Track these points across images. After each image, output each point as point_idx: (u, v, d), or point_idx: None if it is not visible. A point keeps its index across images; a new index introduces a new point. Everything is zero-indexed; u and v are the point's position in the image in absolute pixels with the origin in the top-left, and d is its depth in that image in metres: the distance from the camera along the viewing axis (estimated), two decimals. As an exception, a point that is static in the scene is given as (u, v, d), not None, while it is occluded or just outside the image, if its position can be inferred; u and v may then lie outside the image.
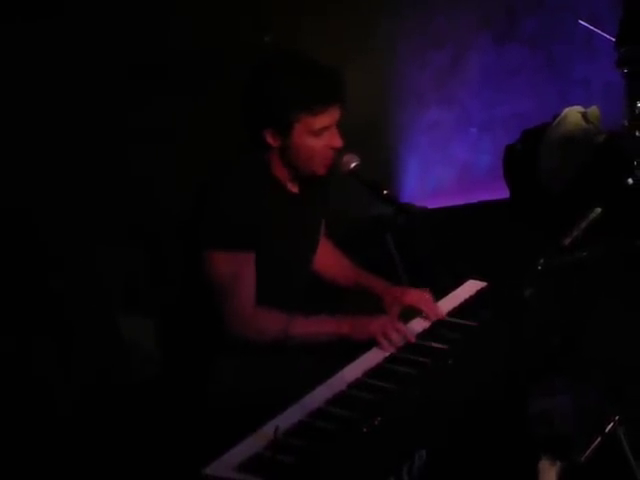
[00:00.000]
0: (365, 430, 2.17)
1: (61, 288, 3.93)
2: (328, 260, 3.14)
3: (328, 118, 2.69)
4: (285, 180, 2.82)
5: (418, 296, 3.00)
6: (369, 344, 2.71)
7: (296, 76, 2.67)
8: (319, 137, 2.70)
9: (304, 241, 2.93)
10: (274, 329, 2.71)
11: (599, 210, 3.20)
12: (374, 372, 2.56)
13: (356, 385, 2.48)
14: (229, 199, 2.69)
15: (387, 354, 2.66)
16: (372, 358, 2.65)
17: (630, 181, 5.02)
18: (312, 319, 2.75)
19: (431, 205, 5.25)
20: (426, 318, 2.92)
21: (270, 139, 2.71)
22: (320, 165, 2.76)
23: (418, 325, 2.88)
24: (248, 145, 2.78)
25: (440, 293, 3.11)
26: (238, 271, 2.68)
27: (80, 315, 3.89)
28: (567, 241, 3.08)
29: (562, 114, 5.60)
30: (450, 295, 3.12)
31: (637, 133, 5.19)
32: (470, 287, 3.16)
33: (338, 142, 2.73)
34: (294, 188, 2.86)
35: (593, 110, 5.59)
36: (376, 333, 2.70)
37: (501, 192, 5.82)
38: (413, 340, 2.72)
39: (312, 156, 2.73)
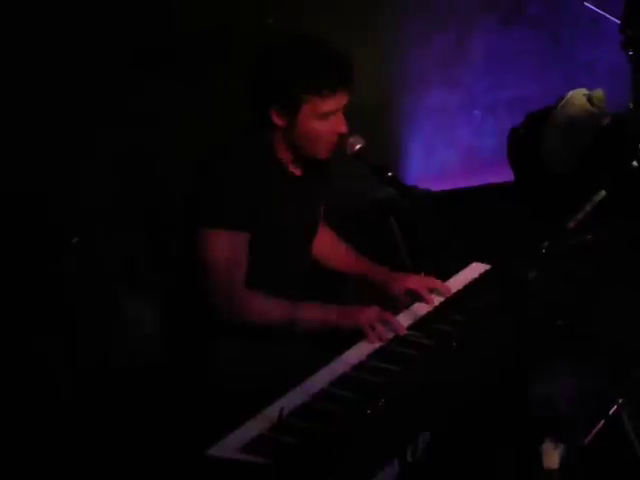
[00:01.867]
0: (369, 412, 2.17)
1: (61, 272, 3.93)
2: (328, 248, 3.13)
3: (335, 103, 2.68)
4: (288, 162, 2.81)
5: (422, 281, 3.00)
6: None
7: (308, 58, 2.67)
8: (325, 121, 2.70)
9: (304, 224, 2.92)
10: (264, 313, 2.70)
11: (604, 193, 3.20)
12: (378, 354, 2.56)
13: (360, 367, 2.48)
14: (228, 178, 2.68)
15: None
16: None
17: (635, 164, 5.00)
18: (300, 305, 2.74)
19: (435, 188, 5.25)
20: (430, 299, 2.92)
21: (276, 118, 2.70)
22: (323, 149, 2.76)
23: (422, 307, 2.88)
24: (251, 126, 2.78)
25: (444, 276, 3.11)
26: (231, 251, 2.68)
27: (81, 299, 3.90)
28: (572, 224, 3.08)
29: (566, 97, 5.58)
30: (454, 278, 3.12)
31: (642, 116, 5.18)
32: (474, 270, 3.16)
33: (343, 128, 2.73)
34: (296, 170, 2.85)
35: (598, 93, 5.56)
36: (363, 323, 2.68)
37: (505, 175, 5.81)
38: (403, 332, 2.69)
39: (316, 139, 2.72)
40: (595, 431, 3.09)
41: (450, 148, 6.17)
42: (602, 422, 3.08)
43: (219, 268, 2.67)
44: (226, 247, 2.67)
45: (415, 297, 2.95)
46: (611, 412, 3.07)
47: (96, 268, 4.00)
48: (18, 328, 3.73)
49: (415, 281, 2.99)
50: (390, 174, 2.76)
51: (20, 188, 4.14)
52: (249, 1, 4.91)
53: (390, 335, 2.66)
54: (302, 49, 2.70)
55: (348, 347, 2.61)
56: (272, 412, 2.20)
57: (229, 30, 4.78)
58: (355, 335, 2.67)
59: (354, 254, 3.16)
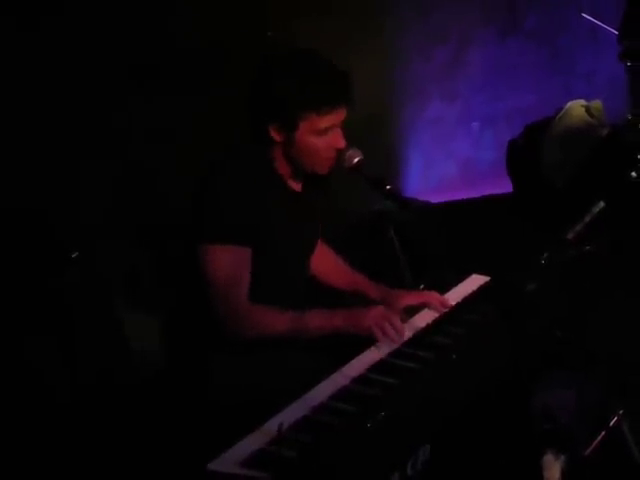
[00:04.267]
0: (369, 425, 2.17)
1: (62, 286, 3.93)
2: (326, 265, 3.13)
3: (333, 119, 2.69)
4: (287, 177, 2.82)
5: (419, 297, 3.00)
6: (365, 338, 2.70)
7: (305, 75, 2.67)
8: (323, 136, 2.70)
9: (302, 240, 2.92)
10: (269, 325, 2.70)
11: (603, 204, 3.20)
12: (377, 367, 2.55)
13: (360, 380, 2.47)
14: (229, 192, 2.68)
15: (389, 350, 2.66)
16: (375, 353, 2.64)
17: (634, 175, 5.02)
18: (305, 313, 2.73)
19: (434, 200, 5.27)
20: (432, 310, 2.92)
21: (274, 134, 2.71)
22: (322, 164, 2.76)
23: (422, 319, 2.89)
24: (251, 141, 2.78)
25: (443, 287, 3.11)
26: (233, 266, 2.67)
27: (81, 313, 3.89)
28: (571, 235, 3.08)
29: (565, 108, 5.59)
30: (453, 290, 3.12)
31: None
32: (473, 282, 3.16)
33: (341, 143, 2.74)
34: (296, 186, 2.86)
35: (596, 103, 5.58)
36: (371, 325, 2.67)
37: (504, 187, 5.82)
38: (406, 337, 2.69)
39: (314, 155, 2.73)
40: (596, 442, 3.09)
41: (449, 160, 6.19)
42: (603, 433, 3.08)
43: (222, 283, 2.66)
44: (228, 261, 2.67)
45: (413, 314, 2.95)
46: (612, 423, 3.06)
47: (96, 283, 4.00)
48: (17, 342, 3.72)
49: (413, 298, 2.99)
50: (389, 187, 2.76)
51: (21, 203, 4.14)
52: (248, 15, 4.93)
53: (397, 337, 2.66)
54: (300, 66, 2.70)
55: (350, 356, 2.62)
56: (272, 426, 2.19)
57: (229, 45, 4.79)
58: (357, 343, 2.68)
59: (351, 271, 3.16)
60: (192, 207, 2.74)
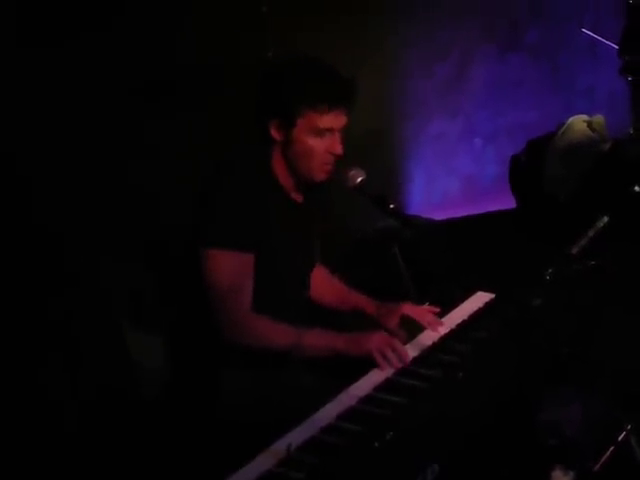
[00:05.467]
0: (377, 445, 2.17)
1: (66, 304, 3.93)
2: (321, 286, 3.12)
3: (332, 120, 2.71)
4: (289, 188, 2.83)
5: (416, 309, 3.01)
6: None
7: (309, 73, 2.72)
8: (320, 138, 2.72)
9: (302, 252, 2.92)
10: (268, 336, 2.70)
11: (606, 218, 3.20)
12: (384, 386, 2.55)
13: (367, 400, 2.47)
14: (232, 199, 2.69)
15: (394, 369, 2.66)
16: (381, 372, 2.64)
17: (636, 189, 5.02)
18: (309, 332, 2.73)
19: (437, 217, 5.27)
20: (433, 331, 2.92)
21: (274, 132, 2.73)
22: (318, 170, 2.77)
23: (427, 337, 2.88)
24: (253, 149, 2.81)
25: (448, 305, 3.11)
26: (235, 271, 2.68)
27: (86, 331, 3.90)
28: (575, 250, 3.08)
29: (567, 123, 5.60)
30: (458, 307, 3.12)
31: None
32: (478, 299, 3.16)
33: (338, 148, 2.74)
34: (298, 197, 2.87)
35: (598, 118, 5.59)
36: (372, 349, 2.67)
37: (507, 202, 5.82)
38: (408, 360, 2.68)
39: (311, 157, 2.74)
40: (605, 457, 3.07)
41: (451, 176, 6.19)
42: (611, 448, 3.07)
43: (223, 287, 2.66)
44: (232, 266, 2.67)
45: (410, 328, 2.95)
46: (620, 438, 3.05)
47: (101, 301, 4.00)
48: (22, 361, 3.72)
49: (408, 309, 3.00)
50: (392, 206, 2.77)
51: (24, 221, 4.14)
52: (249, 35, 4.94)
53: (398, 362, 2.66)
54: (304, 66, 2.75)
55: (355, 375, 2.61)
56: (279, 447, 2.19)
57: (230, 63, 4.80)
58: (362, 362, 2.67)
59: (347, 289, 3.15)
60: (195, 211, 2.75)
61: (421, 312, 3.01)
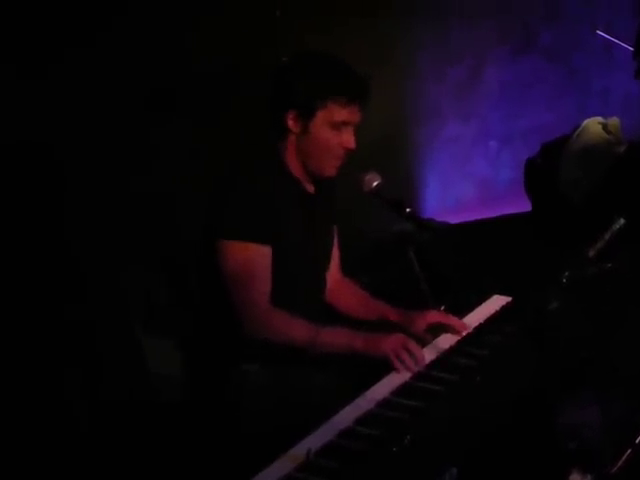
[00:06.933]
0: (395, 449, 2.16)
1: (85, 313, 3.94)
2: (348, 298, 3.13)
3: (349, 114, 2.74)
4: (302, 179, 2.85)
5: (439, 316, 3.00)
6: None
7: (330, 66, 2.76)
8: (336, 131, 2.74)
9: (315, 243, 2.93)
10: (286, 331, 2.71)
11: (623, 221, 3.19)
12: (402, 390, 2.55)
13: (385, 404, 2.47)
14: (248, 193, 2.71)
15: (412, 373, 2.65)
16: (399, 376, 2.64)
17: (653, 191, 5.00)
18: (327, 329, 2.74)
19: (453, 221, 5.26)
20: (453, 334, 2.92)
21: (291, 122, 2.75)
22: (330, 163, 2.80)
23: (444, 341, 2.88)
24: (267, 144, 2.83)
25: (465, 309, 3.10)
26: (254, 263, 2.69)
27: (103, 335, 3.91)
28: (591, 253, 3.07)
29: (582, 125, 5.58)
30: (475, 311, 3.12)
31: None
32: (495, 303, 3.16)
33: (352, 143, 2.77)
34: (310, 188, 2.89)
35: (613, 121, 5.56)
36: (388, 352, 2.67)
37: (522, 206, 5.80)
38: (424, 363, 2.68)
39: (325, 150, 2.76)
40: (623, 460, 3.06)
41: (466, 180, 6.18)
42: (629, 451, 3.06)
43: (242, 279, 2.68)
44: (249, 258, 2.68)
45: (436, 333, 2.95)
46: (638, 440, 3.04)
47: (118, 305, 4.01)
48: (37, 364, 3.74)
49: (432, 317, 2.99)
50: (408, 210, 2.77)
51: (40, 230, 4.16)
52: (263, 41, 4.95)
53: (414, 365, 2.66)
54: (324, 60, 2.79)
55: (373, 376, 2.61)
56: (298, 451, 2.19)
57: (242, 69, 4.80)
58: (379, 363, 2.67)
59: (371, 298, 3.15)
60: (211, 206, 2.77)
61: (446, 316, 3.00)
